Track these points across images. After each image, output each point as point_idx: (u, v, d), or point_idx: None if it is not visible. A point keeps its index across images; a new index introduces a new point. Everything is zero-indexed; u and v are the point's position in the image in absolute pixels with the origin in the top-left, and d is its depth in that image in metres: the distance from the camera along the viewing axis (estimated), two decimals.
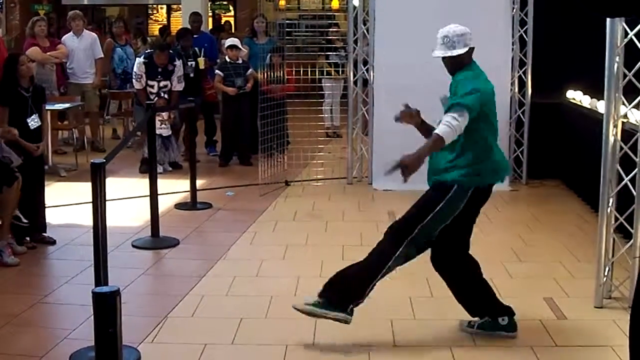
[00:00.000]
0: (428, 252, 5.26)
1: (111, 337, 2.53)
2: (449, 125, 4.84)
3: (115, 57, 13.12)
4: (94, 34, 13.07)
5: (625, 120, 5.90)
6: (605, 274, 5.81)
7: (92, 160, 5.16)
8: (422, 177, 5.17)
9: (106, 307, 2.54)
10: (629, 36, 5.58)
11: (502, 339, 5.21)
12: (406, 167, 4.77)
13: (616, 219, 5.83)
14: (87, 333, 4.88)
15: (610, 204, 5.77)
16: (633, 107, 5.76)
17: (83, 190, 8.87)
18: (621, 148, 5.78)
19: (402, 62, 9.43)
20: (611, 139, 5.72)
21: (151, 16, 23.59)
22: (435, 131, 4.89)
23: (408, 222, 5.11)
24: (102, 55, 12.72)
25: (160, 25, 21.78)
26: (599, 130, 5.86)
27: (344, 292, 5.12)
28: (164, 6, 23.22)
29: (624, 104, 5.76)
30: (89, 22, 16.42)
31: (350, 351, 5.08)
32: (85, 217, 7.89)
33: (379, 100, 9.90)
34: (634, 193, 5.63)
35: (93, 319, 3.21)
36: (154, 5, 23.30)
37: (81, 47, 12.40)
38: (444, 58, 5.16)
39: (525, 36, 10.08)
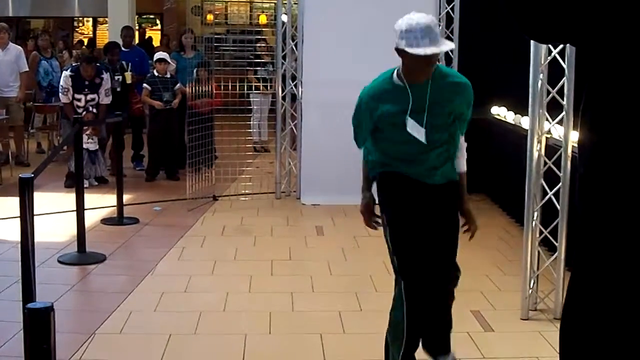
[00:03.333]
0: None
1: (45, 353, 2.51)
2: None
3: (40, 70, 12.97)
4: (19, 47, 12.89)
5: (549, 135, 6.02)
6: (531, 286, 5.92)
7: (20, 175, 5.09)
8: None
9: (40, 323, 2.53)
10: (552, 54, 5.72)
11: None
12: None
13: (541, 233, 5.95)
14: (16, 349, 4.81)
15: (535, 218, 5.88)
16: (556, 123, 5.89)
17: (7, 205, 8.75)
18: (545, 163, 5.90)
19: (331, 77, 9.48)
20: (535, 154, 5.84)
21: (77, 29, 23.36)
22: (464, 170, 4.70)
23: None
24: (27, 69, 12.54)
25: (85, 38, 21.65)
26: (524, 145, 5.98)
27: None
28: (90, 19, 23.02)
29: (547, 120, 5.89)
30: (15, 34, 16.19)
31: None
32: (10, 232, 7.78)
33: (308, 116, 9.95)
34: (558, 207, 5.76)
35: (23, 335, 3.17)
36: (80, 18, 23.07)
37: (6, 59, 12.22)
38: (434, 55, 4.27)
39: (450, 53, 10.22)
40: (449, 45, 4.28)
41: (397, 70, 4.44)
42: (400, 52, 4.26)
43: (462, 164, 4.67)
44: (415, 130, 4.39)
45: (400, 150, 4.51)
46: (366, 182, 4.72)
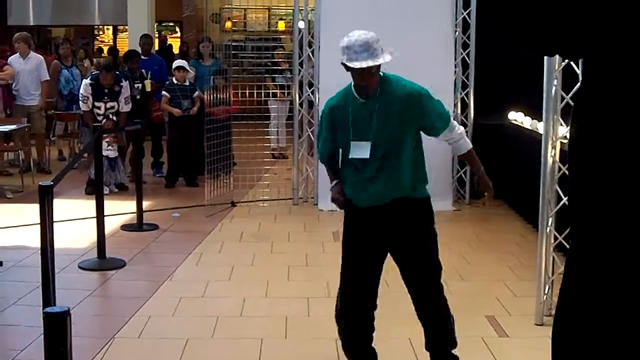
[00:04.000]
0: None
1: (62, 356, 2.58)
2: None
3: (61, 78, 13.10)
4: (40, 56, 13.06)
5: (564, 141, 6.04)
6: (546, 292, 5.95)
7: (40, 183, 5.18)
8: None
9: (57, 326, 2.60)
10: (566, 60, 5.75)
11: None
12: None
13: (555, 238, 5.98)
14: (36, 353, 4.91)
15: (549, 224, 5.92)
16: None
17: (29, 211, 8.85)
18: (560, 168, 5.93)
19: (347, 84, 9.51)
20: (549, 159, 5.87)
21: (97, 37, 23.53)
22: (468, 149, 4.99)
23: None
24: (48, 77, 12.69)
25: (107, 47, 21.80)
26: (540, 150, 6.01)
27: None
28: (110, 27, 23.18)
29: (562, 125, 5.93)
30: (36, 43, 16.32)
31: None
32: (31, 238, 7.88)
33: None
34: None
35: (43, 339, 3.26)
36: (100, 26, 23.24)
37: (27, 68, 12.38)
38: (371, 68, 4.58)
39: (467, 59, 10.28)
40: (386, 58, 4.52)
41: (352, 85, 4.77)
42: (345, 66, 4.61)
43: (464, 145, 4.95)
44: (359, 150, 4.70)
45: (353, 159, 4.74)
46: (331, 174, 5.01)
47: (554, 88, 5.83)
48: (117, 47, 21.58)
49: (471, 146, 4.96)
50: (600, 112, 1.83)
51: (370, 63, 4.47)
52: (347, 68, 4.59)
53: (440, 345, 4.96)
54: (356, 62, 4.49)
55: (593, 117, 1.86)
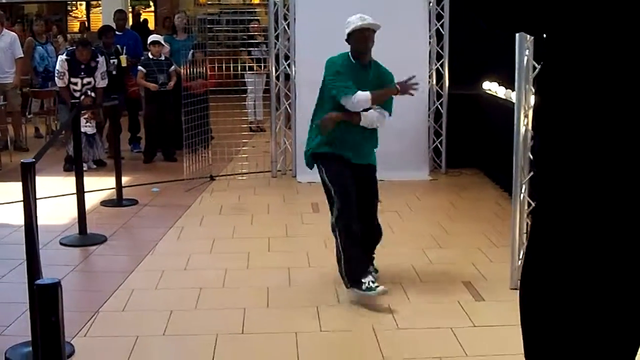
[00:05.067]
0: None
1: (54, 325, 2.67)
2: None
3: (36, 55, 13.09)
4: (13, 33, 13.00)
5: None
6: (520, 257, 6.05)
7: (22, 160, 5.22)
8: None
9: (48, 297, 2.68)
10: None
11: (421, 321, 5.44)
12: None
13: (529, 205, 6.09)
14: (22, 329, 4.99)
15: (523, 190, 6.02)
16: None
17: (8, 189, 8.90)
18: (532, 136, 6.03)
19: (323, 56, 9.54)
20: (522, 128, 5.96)
21: (70, 13, 23.41)
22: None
23: None
24: (22, 55, 12.65)
25: (79, 22, 21.70)
26: (513, 119, 6.11)
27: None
28: (84, 3, 23.07)
29: (534, 94, 6.02)
30: (8, 19, 16.26)
31: (279, 339, 5.24)
32: (11, 216, 7.93)
33: (301, 95, 10.05)
34: None
35: (29, 314, 3.33)
36: (74, 2, 23.12)
37: (1, 46, 12.32)
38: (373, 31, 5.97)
39: (441, 30, 10.37)
40: (377, 25, 5.96)
41: (349, 53, 6.06)
42: (348, 39, 5.99)
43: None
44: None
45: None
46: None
47: (525, 58, 5.92)
48: (89, 23, 21.53)
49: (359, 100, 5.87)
50: (562, 84, 1.93)
51: (365, 24, 5.88)
52: (349, 38, 5.96)
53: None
54: (355, 25, 5.86)
55: (555, 89, 1.95)
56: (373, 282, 5.66)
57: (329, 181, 5.88)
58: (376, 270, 6.12)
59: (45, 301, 2.66)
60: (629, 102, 1.81)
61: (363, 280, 5.65)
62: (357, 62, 6.00)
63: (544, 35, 1.97)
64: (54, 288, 2.68)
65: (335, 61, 6.03)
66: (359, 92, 5.81)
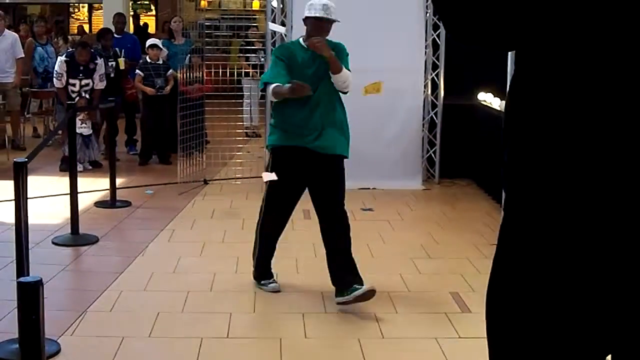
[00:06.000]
0: None
1: (34, 324, 2.71)
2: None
3: (36, 56, 13.14)
4: (14, 33, 13.09)
5: None
6: None
7: (14, 159, 5.28)
8: None
9: (30, 296, 2.72)
10: None
11: (407, 331, 5.47)
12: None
13: None
14: (9, 326, 5.03)
15: None
16: None
17: (3, 188, 8.93)
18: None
19: None
20: None
21: (72, 15, 23.47)
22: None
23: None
24: (23, 55, 12.72)
25: (82, 24, 21.75)
26: None
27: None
28: (86, 5, 23.13)
29: (504, 108, 6.07)
30: (11, 21, 16.33)
31: (263, 345, 5.28)
32: (4, 214, 7.97)
33: None
34: None
35: (17, 310, 3.39)
36: (75, 4, 23.18)
37: (2, 46, 12.39)
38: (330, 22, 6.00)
39: (438, 40, 10.41)
40: (332, 17, 5.95)
41: (302, 38, 6.10)
42: (305, 20, 6.04)
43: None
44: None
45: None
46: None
47: None
48: (90, 26, 21.58)
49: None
50: (533, 96, 1.97)
51: (324, 15, 5.92)
52: (306, 20, 6.00)
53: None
54: (312, 11, 5.93)
55: (526, 101, 1.99)
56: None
57: (267, 186, 6.25)
58: (360, 284, 5.83)
59: (26, 299, 2.71)
60: (602, 114, 1.85)
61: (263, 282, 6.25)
62: (308, 48, 5.99)
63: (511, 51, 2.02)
64: (36, 286, 2.73)
65: (282, 47, 6.47)
66: (272, 84, 5.94)
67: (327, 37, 5.98)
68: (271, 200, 6.23)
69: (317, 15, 5.91)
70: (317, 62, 5.92)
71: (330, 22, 5.97)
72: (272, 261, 6.33)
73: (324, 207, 5.99)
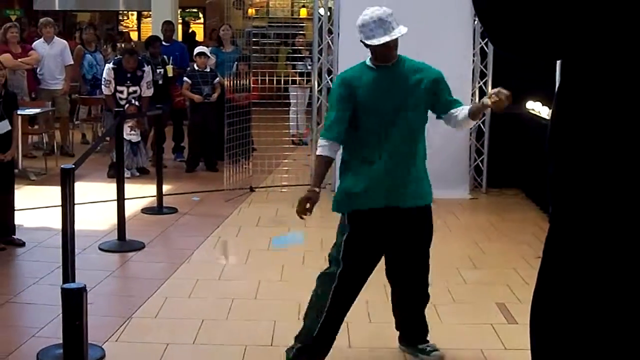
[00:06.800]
0: None
1: (77, 330, 2.71)
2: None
3: (85, 63, 13.25)
4: (64, 40, 13.25)
5: None
6: None
7: (62, 166, 5.31)
8: None
9: (74, 302, 2.73)
10: None
11: (452, 341, 5.42)
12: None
13: None
14: (55, 331, 5.06)
15: None
16: None
17: (52, 194, 9.00)
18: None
19: None
20: None
21: (121, 22, 23.69)
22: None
23: None
24: (72, 62, 12.86)
25: (130, 32, 21.94)
26: None
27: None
28: (135, 13, 23.33)
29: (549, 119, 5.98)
30: (61, 28, 16.53)
31: None
32: (53, 220, 8.03)
33: None
34: None
35: (61, 315, 3.41)
36: (125, 12, 23.39)
37: (52, 53, 12.54)
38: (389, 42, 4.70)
39: (486, 48, 10.33)
40: (402, 31, 4.65)
41: (369, 59, 4.88)
42: (363, 44, 4.74)
43: (464, 111, 4.89)
44: None
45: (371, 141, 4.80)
46: (319, 178, 4.99)
47: None
48: (139, 33, 21.75)
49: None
50: (581, 107, 1.93)
51: (387, 39, 4.62)
52: (366, 45, 4.72)
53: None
54: (374, 40, 4.62)
55: (572, 113, 1.95)
56: None
57: (343, 246, 4.95)
58: (434, 349, 5.20)
59: (70, 305, 2.71)
60: None
61: None
62: (379, 66, 4.83)
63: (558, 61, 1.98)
64: (79, 293, 2.73)
65: (343, 79, 4.93)
66: (324, 143, 4.83)
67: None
68: (351, 262, 4.90)
69: (382, 42, 4.61)
70: (394, 89, 4.80)
71: (395, 39, 4.68)
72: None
73: (404, 276, 5.10)
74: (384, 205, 4.81)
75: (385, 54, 4.75)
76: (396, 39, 4.67)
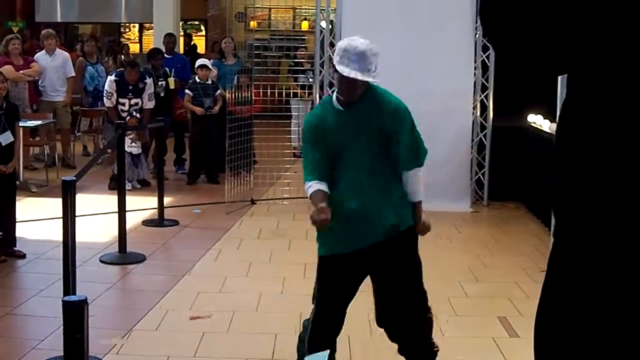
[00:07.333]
0: None
1: (78, 342, 2.71)
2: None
3: (86, 75, 13.27)
4: (66, 52, 13.26)
5: None
6: None
7: (63, 178, 5.33)
8: None
9: (74, 314, 2.73)
10: None
11: (453, 355, 5.41)
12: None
13: None
14: (55, 344, 5.04)
15: None
16: None
17: (53, 206, 8.99)
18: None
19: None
20: None
21: (123, 35, 23.71)
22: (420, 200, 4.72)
23: None
24: (74, 74, 12.87)
25: (131, 43, 21.95)
26: None
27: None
28: (136, 25, 23.34)
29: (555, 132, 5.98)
30: (63, 40, 16.55)
31: None
32: (54, 232, 8.01)
33: None
34: None
35: (62, 328, 3.40)
36: (127, 24, 23.41)
37: (53, 65, 12.55)
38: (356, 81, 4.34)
39: (487, 61, 10.34)
40: (374, 79, 4.34)
41: (335, 94, 4.54)
42: (333, 68, 4.43)
43: (420, 191, 4.70)
44: None
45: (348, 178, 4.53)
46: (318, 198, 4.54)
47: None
48: (141, 45, 21.76)
49: (422, 198, 4.73)
50: (585, 122, 1.92)
51: (358, 76, 4.28)
52: (335, 70, 4.38)
53: None
54: (345, 69, 4.27)
55: (578, 127, 1.94)
56: None
57: (316, 281, 4.80)
58: None
59: (71, 318, 2.71)
60: None
61: None
62: (343, 103, 4.49)
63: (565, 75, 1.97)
64: (80, 305, 2.73)
65: (310, 121, 4.66)
66: (311, 184, 4.54)
67: (370, 85, 4.48)
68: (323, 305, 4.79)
69: (350, 76, 4.25)
70: (360, 131, 4.48)
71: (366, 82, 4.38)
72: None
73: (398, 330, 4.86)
74: (351, 250, 4.56)
75: (348, 89, 4.39)
76: (365, 82, 4.35)
